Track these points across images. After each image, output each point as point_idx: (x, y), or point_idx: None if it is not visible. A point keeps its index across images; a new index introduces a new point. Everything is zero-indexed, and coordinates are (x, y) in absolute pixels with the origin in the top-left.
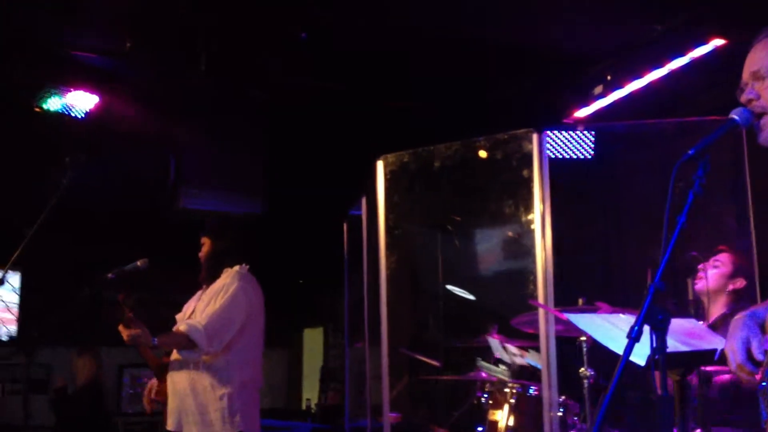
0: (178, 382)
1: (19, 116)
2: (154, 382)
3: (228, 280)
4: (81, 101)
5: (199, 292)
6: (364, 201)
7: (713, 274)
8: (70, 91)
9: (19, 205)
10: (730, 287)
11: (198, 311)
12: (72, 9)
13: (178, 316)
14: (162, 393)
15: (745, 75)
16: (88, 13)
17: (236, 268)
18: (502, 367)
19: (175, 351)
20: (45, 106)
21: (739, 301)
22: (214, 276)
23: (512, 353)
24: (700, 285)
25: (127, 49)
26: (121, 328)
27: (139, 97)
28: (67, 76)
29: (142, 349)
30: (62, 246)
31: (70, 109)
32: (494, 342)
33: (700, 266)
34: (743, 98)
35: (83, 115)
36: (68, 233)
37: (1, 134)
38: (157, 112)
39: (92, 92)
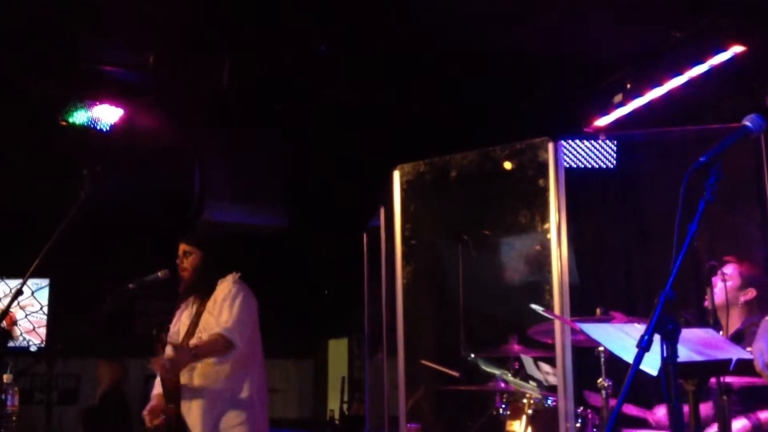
0: (194, 408)
1: (46, 130)
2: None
3: (232, 288)
4: (106, 114)
5: (185, 306)
6: (382, 211)
7: (721, 288)
8: (96, 105)
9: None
10: (742, 299)
11: (208, 323)
12: (97, 24)
13: (171, 332)
14: (170, 412)
15: None
16: (113, 27)
17: (230, 277)
18: (533, 383)
19: (195, 376)
20: (71, 120)
21: (754, 311)
22: (206, 289)
23: (545, 371)
24: (716, 299)
25: (152, 63)
26: (154, 361)
27: (163, 110)
28: (92, 89)
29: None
30: (91, 258)
31: (96, 123)
32: (527, 359)
33: (713, 279)
34: None
35: (108, 128)
36: (97, 245)
37: (28, 148)
38: (181, 125)
39: (117, 105)
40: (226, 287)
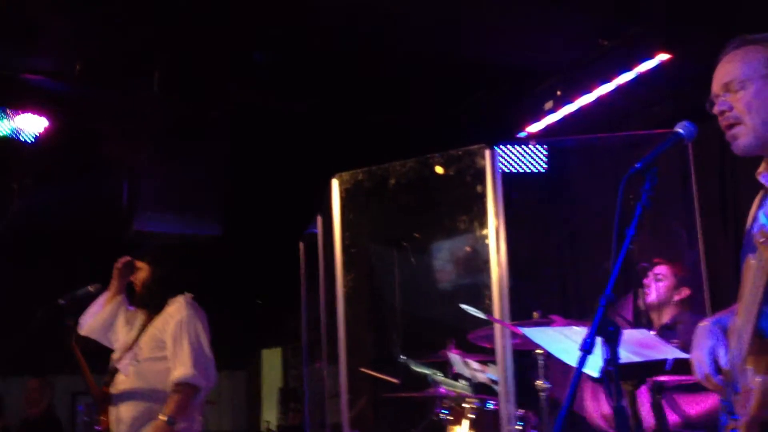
0: (124, 412)
1: None
2: None
3: (181, 313)
4: (30, 125)
5: (127, 318)
6: (319, 219)
7: (659, 287)
8: (19, 114)
9: None
10: (676, 298)
11: (152, 339)
12: (22, 31)
13: (116, 345)
14: (103, 424)
15: (716, 87)
16: (38, 35)
17: (181, 298)
18: (463, 382)
19: (117, 382)
20: None
21: (685, 310)
22: (155, 305)
23: (473, 368)
24: (649, 298)
25: (77, 71)
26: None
27: (90, 119)
28: (15, 99)
29: (85, 377)
30: (14, 271)
31: (19, 133)
32: (455, 357)
33: (645, 281)
34: (715, 110)
35: (33, 139)
36: (21, 258)
37: None
38: (109, 135)
39: (41, 115)
40: (174, 310)
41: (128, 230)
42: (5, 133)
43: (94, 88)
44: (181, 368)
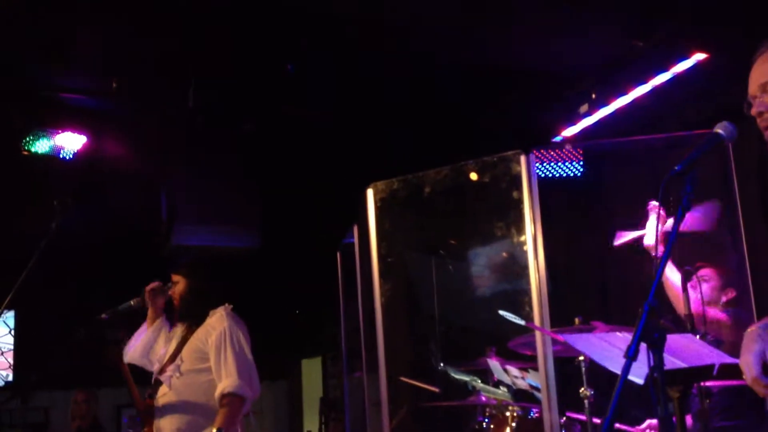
0: (167, 424)
1: (8, 160)
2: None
3: (223, 323)
4: (69, 142)
5: (167, 336)
6: (356, 229)
7: (705, 288)
8: (58, 133)
9: (10, 249)
10: (723, 299)
11: (193, 349)
12: (58, 51)
13: (156, 359)
14: None
15: (752, 88)
16: (74, 54)
17: (221, 309)
18: (504, 389)
19: (160, 394)
20: (33, 149)
21: (730, 311)
22: (195, 315)
23: (513, 375)
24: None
25: (114, 89)
26: None
27: (127, 135)
28: (55, 117)
29: (130, 389)
30: (57, 288)
31: (59, 151)
32: (494, 364)
33: (690, 284)
34: (753, 111)
35: (71, 156)
36: (63, 274)
37: None
38: (146, 150)
39: (80, 133)
40: (218, 324)
41: (167, 244)
42: (45, 152)
43: (130, 105)
44: (228, 379)
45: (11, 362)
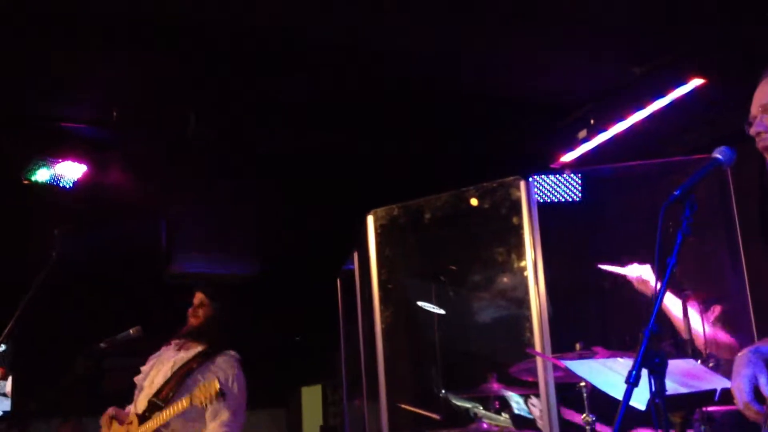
0: None
1: (8, 189)
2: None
3: (231, 379)
4: (69, 171)
5: (166, 350)
6: (356, 256)
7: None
8: (58, 162)
9: (10, 278)
10: (712, 317)
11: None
12: (58, 81)
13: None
14: None
15: (754, 109)
16: (75, 84)
17: (232, 357)
18: (505, 416)
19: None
20: (33, 178)
21: (729, 326)
22: (210, 341)
23: (532, 404)
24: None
25: (114, 118)
26: None
27: (127, 164)
28: (55, 147)
29: None
30: (55, 317)
31: (59, 180)
32: (510, 395)
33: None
34: (752, 131)
35: (71, 185)
36: (63, 303)
37: None
38: (146, 178)
39: (80, 162)
40: (227, 369)
41: (167, 272)
42: (45, 181)
43: (130, 134)
44: (218, 425)
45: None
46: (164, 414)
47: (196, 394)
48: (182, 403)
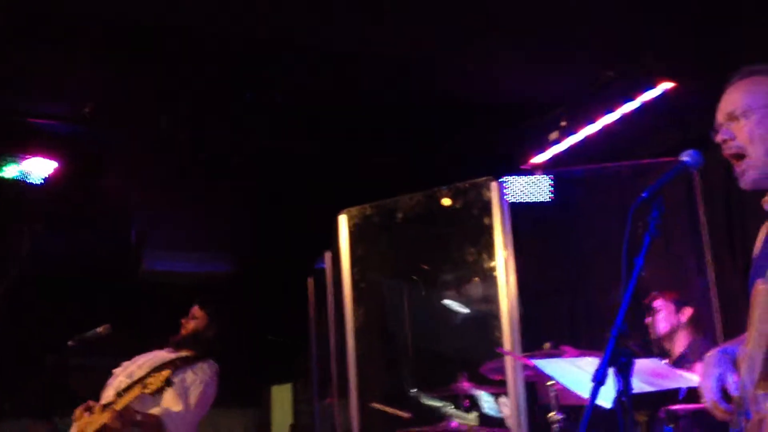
0: None
1: None
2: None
3: (206, 379)
4: (39, 168)
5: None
6: (328, 255)
7: (658, 319)
8: (27, 158)
9: None
10: (683, 319)
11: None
12: (28, 76)
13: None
14: None
15: (720, 116)
16: (45, 79)
17: (210, 366)
18: (475, 414)
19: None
20: (1, 174)
21: (698, 328)
22: (194, 349)
23: (503, 404)
24: (658, 332)
25: (86, 115)
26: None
27: (98, 161)
28: (24, 143)
29: None
30: (25, 315)
31: (28, 176)
32: (484, 395)
33: (647, 320)
34: (718, 138)
35: (42, 182)
36: (31, 301)
37: None
38: (117, 176)
39: (50, 158)
40: (200, 373)
41: (138, 270)
42: (14, 177)
43: (101, 131)
44: (175, 411)
45: None
46: (121, 401)
47: (148, 381)
48: (135, 391)
